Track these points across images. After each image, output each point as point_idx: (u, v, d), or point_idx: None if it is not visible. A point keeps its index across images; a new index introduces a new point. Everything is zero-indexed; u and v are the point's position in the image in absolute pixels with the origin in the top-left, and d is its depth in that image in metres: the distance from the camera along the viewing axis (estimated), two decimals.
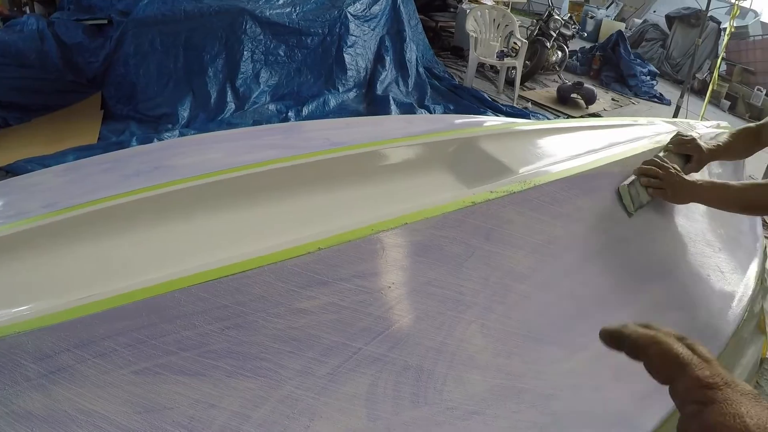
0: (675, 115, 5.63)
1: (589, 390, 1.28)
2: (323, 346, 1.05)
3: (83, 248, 1.14)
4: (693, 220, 2.15)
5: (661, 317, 1.62)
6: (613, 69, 9.25)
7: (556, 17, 7.86)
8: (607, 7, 16.33)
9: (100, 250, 1.15)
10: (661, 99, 8.96)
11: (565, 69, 8.91)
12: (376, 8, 5.68)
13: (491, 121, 2.17)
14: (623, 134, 2.31)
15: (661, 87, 9.77)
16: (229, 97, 4.56)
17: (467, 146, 1.79)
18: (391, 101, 5.14)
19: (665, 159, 1.83)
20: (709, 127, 2.91)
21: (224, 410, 0.92)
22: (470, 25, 6.42)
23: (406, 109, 5.09)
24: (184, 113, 4.35)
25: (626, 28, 13.90)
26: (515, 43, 6.86)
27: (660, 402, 1.24)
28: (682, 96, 5.94)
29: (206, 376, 0.95)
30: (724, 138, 2.12)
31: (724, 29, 12.17)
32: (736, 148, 2.15)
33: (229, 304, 1.02)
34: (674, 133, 2.12)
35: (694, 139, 1.99)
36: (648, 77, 9.36)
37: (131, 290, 0.98)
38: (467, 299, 1.25)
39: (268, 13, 4.78)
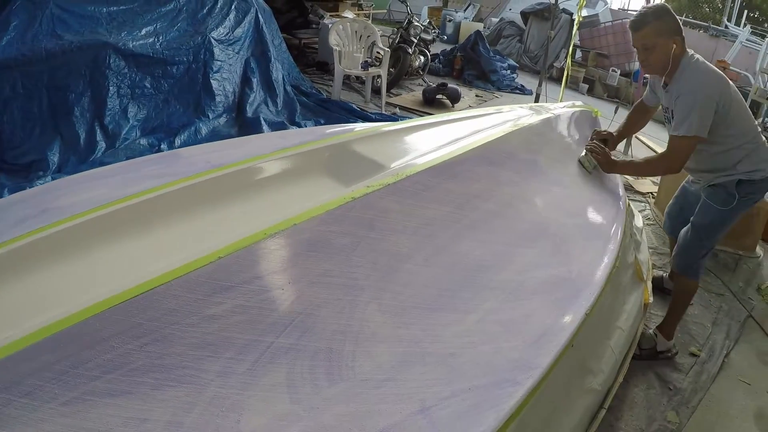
0: (535, 101, 6.17)
1: (484, 344, 1.41)
2: (238, 346, 1.16)
3: None
4: (564, 187, 2.56)
5: (538, 273, 1.83)
6: (475, 67, 9.82)
7: (416, 24, 8.26)
8: (465, 10, 17.18)
9: (8, 294, 1.17)
10: (522, 90, 9.67)
11: (429, 72, 9.38)
12: (239, 31, 5.80)
13: (360, 127, 2.39)
14: (488, 121, 2.73)
15: (522, 79, 10.47)
16: (99, 135, 4.49)
17: (341, 151, 2.02)
18: (262, 122, 5.24)
19: (597, 143, 2.98)
20: (564, 107, 3.46)
21: (157, 422, 0.99)
22: (333, 40, 6.64)
23: (278, 127, 5.19)
24: (54, 158, 4.23)
25: (485, 27, 14.70)
26: (378, 52, 7.20)
27: (549, 343, 1.47)
28: (540, 84, 6.49)
29: (133, 393, 1.02)
30: (624, 124, 3.27)
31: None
32: (631, 128, 3.32)
33: (143, 322, 1.10)
34: (529, 115, 3.02)
35: (607, 130, 3.28)
36: (508, 71, 10.03)
37: (47, 324, 1.03)
38: (361, 283, 1.41)
39: (131, 45, 4.75)
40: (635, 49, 2.68)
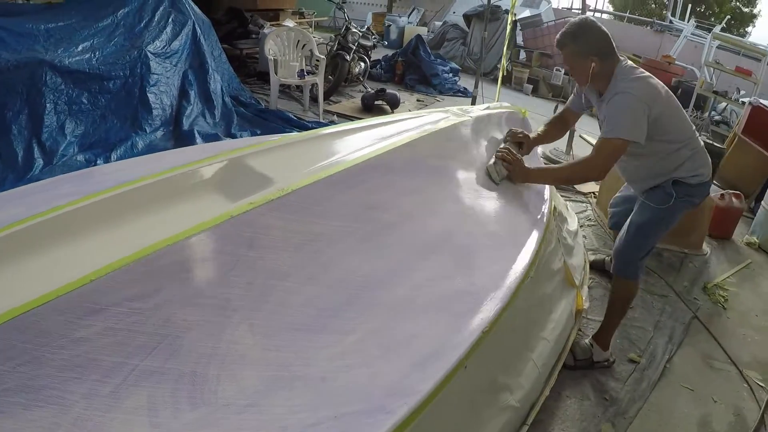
0: (472, 104, 6.41)
1: (360, 368, 1.37)
2: (104, 368, 1.16)
3: None
4: (479, 193, 2.55)
5: (435, 288, 1.78)
6: (416, 72, 10.10)
7: (354, 30, 8.47)
8: (409, 15, 17.54)
9: None
10: (465, 93, 9.95)
11: (370, 78, 9.62)
12: (176, 44, 5.94)
13: (265, 139, 2.40)
14: (402, 126, 2.73)
15: (465, 81, 10.78)
16: (36, 153, 4.57)
17: (237, 165, 2.00)
18: (196, 134, 5.35)
19: (511, 148, 2.90)
20: (488, 108, 3.51)
21: None
22: (268, 49, 6.78)
23: (211, 139, 5.29)
24: None
25: (429, 31, 15.03)
26: (317, 60, 7.42)
27: (434, 365, 1.42)
28: (476, 86, 6.76)
29: (5, 413, 1.05)
30: (542, 128, 3.27)
31: (519, 20, 13.62)
32: (551, 133, 3.29)
33: (17, 343, 1.13)
34: (448, 118, 3.04)
35: (523, 132, 3.18)
36: (450, 74, 10.33)
37: None
38: (234, 304, 1.38)
39: (67, 62, 4.85)
40: None
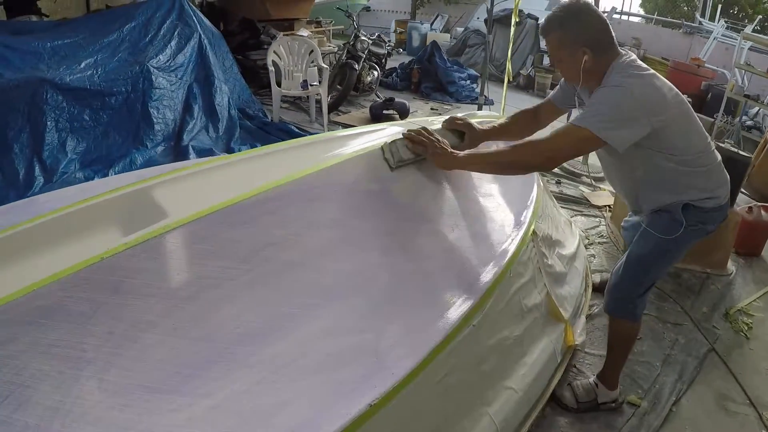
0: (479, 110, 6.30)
1: None
2: None
3: None
4: (427, 220, 2.22)
5: (330, 343, 1.50)
6: (432, 79, 9.98)
7: (363, 38, 8.44)
8: (433, 22, 17.52)
9: None
10: (485, 100, 9.78)
11: (385, 87, 9.61)
12: (181, 57, 5.99)
13: (191, 164, 2.27)
14: (348, 143, 2.49)
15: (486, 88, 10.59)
16: (37, 171, 4.64)
17: (132, 199, 1.90)
18: (191, 150, 5.33)
19: (432, 131, 2.33)
20: (470, 119, 3.04)
21: None
22: (271, 60, 6.74)
23: (206, 155, 5.26)
24: None
25: (451, 38, 14.97)
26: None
27: None
28: (481, 93, 6.59)
29: None
30: (502, 120, 2.73)
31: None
32: (512, 129, 2.68)
33: None
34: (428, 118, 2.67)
35: (465, 119, 2.60)
36: (468, 81, 10.20)
37: None
38: (89, 355, 1.27)
39: (68, 79, 4.92)
40: None
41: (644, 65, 2.23)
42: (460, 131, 2.56)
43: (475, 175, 2.58)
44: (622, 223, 3.24)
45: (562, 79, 2.56)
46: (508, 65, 7.03)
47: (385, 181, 2.25)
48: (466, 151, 2.27)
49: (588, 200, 5.55)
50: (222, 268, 1.60)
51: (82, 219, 1.77)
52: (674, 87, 2.25)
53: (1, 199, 4.37)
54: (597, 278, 3.77)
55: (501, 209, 2.54)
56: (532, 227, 2.47)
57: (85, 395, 1.21)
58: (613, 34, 2.22)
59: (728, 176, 2.45)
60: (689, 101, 7.93)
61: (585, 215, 5.25)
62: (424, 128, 2.32)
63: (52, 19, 6.94)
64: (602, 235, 4.76)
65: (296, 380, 1.37)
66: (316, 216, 1.97)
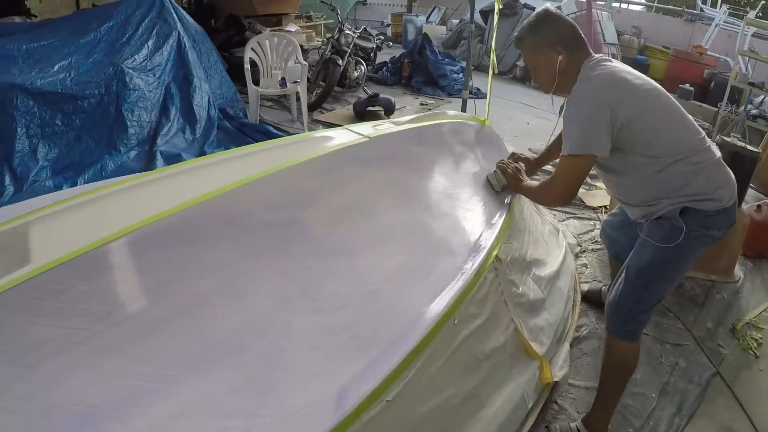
0: (463, 108, 6.16)
1: None
2: None
3: None
4: (332, 261, 1.83)
5: (195, 421, 1.22)
6: (423, 73, 9.77)
7: (347, 32, 8.21)
8: (429, 14, 17.33)
9: None
10: (477, 94, 9.44)
11: (376, 82, 9.47)
12: (158, 57, 5.84)
13: (100, 185, 2.10)
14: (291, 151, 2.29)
15: (479, 81, 10.16)
16: (7, 179, 4.53)
17: (21, 233, 1.71)
18: (158, 156, 5.17)
19: (510, 162, 2.74)
20: (437, 119, 3.09)
21: None
22: (248, 57, 6.50)
23: (174, 160, 5.07)
24: None
25: (447, 30, 14.80)
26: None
27: None
28: (465, 88, 6.36)
29: None
30: (545, 149, 2.92)
31: None
32: (554, 152, 2.85)
33: None
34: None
35: (521, 155, 2.96)
36: (460, 74, 9.91)
37: None
38: None
39: (39, 84, 4.80)
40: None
41: (615, 62, 2.24)
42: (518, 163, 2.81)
43: (437, 186, 2.66)
44: (602, 224, 3.09)
45: None
46: (492, 56, 6.81)
47: (294, 207, 1.97)
48: (524, 183, 2.61)
49: (582, 200, 5.18)
50: (72, 330, 1.35)
51: None
52: (651, 81, 2.23)
53: None
54: (585, 286, 3.57)
55: (457, 231, 2.28)
56: (495, 252, 2.19)
57: None
58: (583, 36, 2.29)
59: (732, 175, 2.25)
60: (691, 90, 7.74)
61: (578, 218, 4.87)
62: (514, 155, 2.94)
63: (40, 20, 6.84)
64: (596, 241, 4.38)
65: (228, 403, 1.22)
66: (199, 257, 1.67)
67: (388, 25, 16.28)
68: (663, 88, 2.23)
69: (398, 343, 1.49)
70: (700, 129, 2.24)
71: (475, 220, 2.40)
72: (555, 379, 2.39)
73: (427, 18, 16.86)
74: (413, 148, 2.83)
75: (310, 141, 2.61)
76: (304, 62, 6.87)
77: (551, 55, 2.24)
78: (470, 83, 6.55)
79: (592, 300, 3.46)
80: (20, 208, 1.95)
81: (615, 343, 2.37)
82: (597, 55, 2.24)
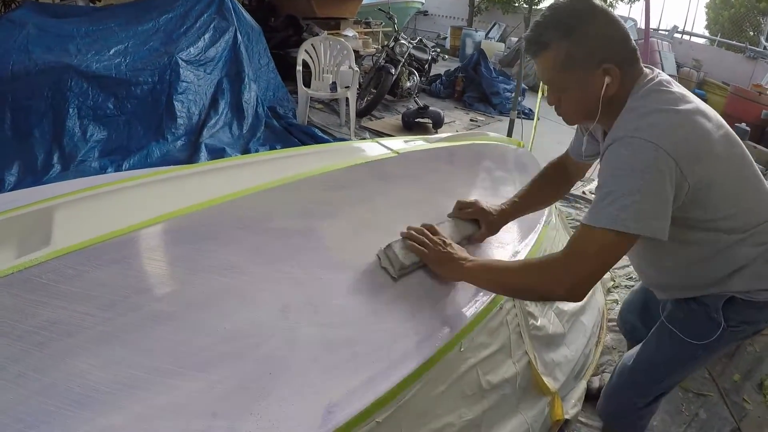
0: (509, 131, 6.11)
1: None
2: None
3: None
4: (339, 274, 1.74)
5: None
6: (476, 89, 9.72)
7: (403, 42, 8.23)
8: (489, 30, 17.33)
9: None
10: (528, 114, 9.31)
11: (428, 94, 9.46)
12: (212, 51, 5.94)
13: (120, 177, 2.13)
14: (318, 160, 2.30)
15: (532, 101, 10.27)
16: (56, 158, 4.65)
17: (46, 217, 1.75)
18: (203, 148, 5.21)
19: (446, 225, 1.88)
20: (470, 139, 2.92)
21: None
22: (301, 59, 6.59)
23: (218, 154, 5.16)
24: (12, 178, 4.41)
25: (506, 47, 14.76)
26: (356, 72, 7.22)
27: None
28: (513, 108, 6.31)
29: None
30: (522, 190, 2.06)
31: None
32: (538, 197, 2.07)
33: None
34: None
35: (476, 203, 1.96)
36: (513, 93, 9.96)
37: None
38: None
39: (94, 67, 4.94)
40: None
41: (678, 87, 1.52)
42: (473, 217, 1.99)
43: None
44: (622, 304, 2.52)
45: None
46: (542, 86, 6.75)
47: (312, 217, 1.95)
48: (470, 258, 1.68)
49: None
50: (81, 315, 1.38)
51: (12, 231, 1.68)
52: (724, 123, 1.56)
53: (17, 183, 4.45)
54: (596, 382, 2.73)
55: (477, 256, 2.03)
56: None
57: None
58: (636, 46, 1.53)
59: None
60: (747, 130, 7.46)
61: None
62: (428, 226, 1.80)
63: (103, 4, 7.02)
64: (631, 277, 4.02)
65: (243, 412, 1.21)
66: (207, 259, 1.65)
67: (445, 38, 16.32)
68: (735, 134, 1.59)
69: (398, 364, 1.43)
70: None
71: (498, 246, 2.12)
72: (566, 417, 2.26)
73: (487, 34, 16.85)
74: (442, 167, 2.71)
75: (339, 151, 2.57)
76: (356, 68, 6.89)
77: (594, 74, 1.47)
78: (521, 102, 6.50)
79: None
80: (62, 187, 2.01)
81: None
82: (650, 73, 1.54)
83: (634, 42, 1.51)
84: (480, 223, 1.96)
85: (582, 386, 2.52)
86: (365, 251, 1.82)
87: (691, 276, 1.69)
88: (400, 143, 2.71)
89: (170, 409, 1.20)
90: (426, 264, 1.72)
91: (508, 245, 1.98)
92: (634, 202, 1.34)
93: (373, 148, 2.61)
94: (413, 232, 1.74)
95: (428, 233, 1.74)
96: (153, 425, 1.16)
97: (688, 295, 1.74)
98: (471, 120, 8.70)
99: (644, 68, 1.54)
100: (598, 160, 1.67)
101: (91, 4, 6.98)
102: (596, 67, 1.46)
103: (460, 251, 1.70)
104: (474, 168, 2.81)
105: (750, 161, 1.59)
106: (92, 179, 2.18)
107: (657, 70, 1.56)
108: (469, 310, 1.72)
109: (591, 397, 2.47)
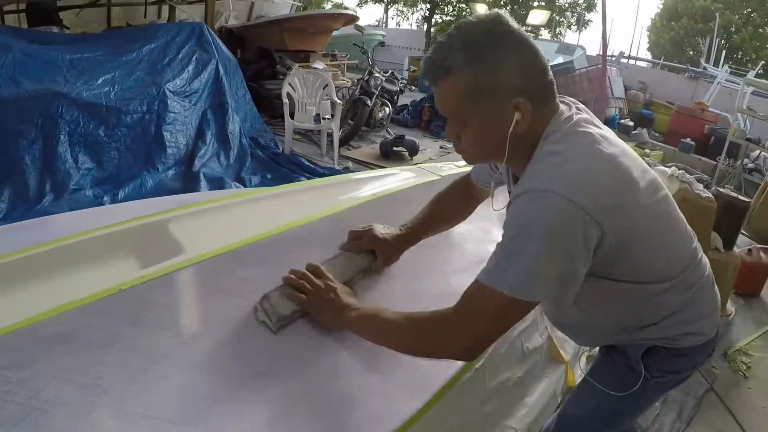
0: None
1: None
2: None
3: None
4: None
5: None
6: (442, 118, 9.91)
7: (377, 75, 8.52)
8: None
9: None
10: None
11: (396, 124, 9.66)
12: (197, 83, 6.01)
13: (211, 197, 2.35)
14: (368, 185, 2.49)
15: None
16: (48, 185, 4.59)
17: (155, 229, 1.93)
18: (202, 177, 5.29)
19: (337, 261, 1.70)
20: (462, 167, 2.99)
21: None
22: (285, 92, 6.78)
23: (217, 183, 5.25)
24: (2, 205, 4.33)
25: None
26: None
27: None
28: None
29: None
30: (423, 210, 1.87)
31: (551, 67, 13.68)
32: (442, 216, 1.88)
33: None
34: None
35: (369, 230, 1.78)
36: None
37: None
38: (105, 384, 1.28)
39: (85, 95, 4.89)
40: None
41: (600, 129, 1.33)
42: (367, 246, 1.78)
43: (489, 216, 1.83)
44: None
45: None
46: None
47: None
48: (355, 306, 1.48)
49: None
50: (235, 306, 1.55)
51: (99, 246, 1.77)
52: (647, 167, 1.36)
53: (9, 211, 4.36)
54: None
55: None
56: None
57: (101, 423, 1.22)
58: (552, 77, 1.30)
59: (718, 297, 1.60)
60: (692, 145, 8.15)
61: None
62: (313, 266, 1.61)
63: (74, 33, 7.01)
64: None
65: (309, 418, 1.33)
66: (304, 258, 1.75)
67: (407, 69, 16.64)
68: (651, 169, 1.38)
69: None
70: (690, 229, 1.52)
71: (399, 278, 2.02)
72: (575, 384, 2.57)
73: None
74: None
75: (394, 175, 2.78)
76: (339, 101, 7.12)
77: (503, 108, 1.23)
78: None
79: None
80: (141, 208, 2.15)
81: None
82: (567, 110, 1.33)
83: (551, 75, 1.29)
84: (376, 252, 1.76)
85: (583, 362, 2.90)
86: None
87: (614, 324, 1.53)
88: (447, 167, 2.98)
89: (330, 374, 1.44)
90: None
91: (409, 275, 1.88)
92: (541, 268, 1.16)
93: (418, 173, 2.82)
94: (293, 276, 1.54)
95: (311, 276, 1.54)
96: (322, 386, 1.40)
97: (608, 343, 1.63)
98: (441, 147, 8.96)
99: (560, 104, 1.33)
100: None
101: (64, 31, 6.96)
102: (506, 100, 1.22)
103: (345, 296, 1.51)
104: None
105: (673, 204, 1.42)
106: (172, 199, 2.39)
107: (576, 106, 1.38)
108: None
109: None
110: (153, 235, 1.91)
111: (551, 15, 8.09)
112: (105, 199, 4.69)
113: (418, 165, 3.00)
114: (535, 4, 23.30)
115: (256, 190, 2.46)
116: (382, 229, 1.78)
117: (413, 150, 7.59)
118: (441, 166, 3.10)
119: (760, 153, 9.69)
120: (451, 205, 1.86)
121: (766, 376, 3.60)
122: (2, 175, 4.51)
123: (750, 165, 9.52)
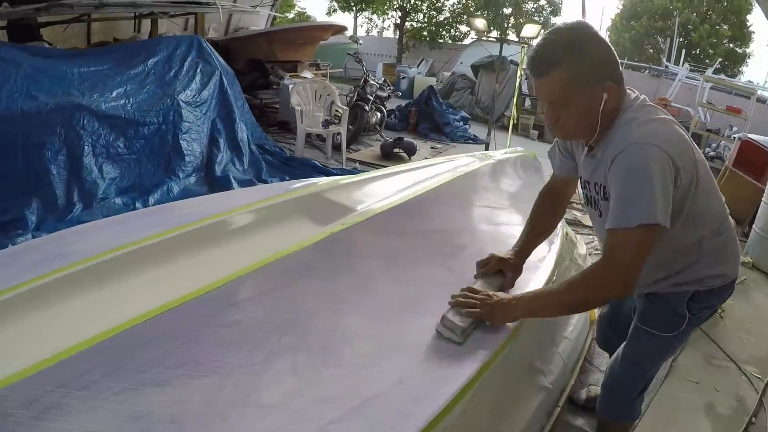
0: (486, 150, 6.66)
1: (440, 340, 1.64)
2: (253, 343, 1.42)
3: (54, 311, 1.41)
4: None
5: None
6: (429, 120, 10.50)
7: (372, 82, 8.87)
8: (418, 65, 18.03)
9: (62, 311, 1.41)
10: (475, 140, 10.30)
11: (386, 127, 9.91)
12: (205, 93, 6.15)
13: (322, 181, 2.62)
14: (436, 170, 2.96)
15: (475, 129, 11.14)
16: (76, 195, 4.63)
17: (310, 200, 2.32)
18: (232, 180, 5.50)
19: (479, 286, 1.87)
20: (506, 153, 3.64)
21: (193, 403, 1.20)
22: (294, 100, 7.12)
23: (246, 184, 5.43)
24: (33, 217, 4.30)
25: (438, 81, 15.45)
26: (337, 110, 7.73)
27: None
28: (488, 134, 7.01)
29: (174, 384, 1.22)
30: (525, 228, 2.16)
31: (525, 69, 14.07)
32: (542, 226, 2.18)
33: (182, 327, 1.38)
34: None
35: (492, 256, 2.03)
36: (461, 123, 10.73)
37: (98, 333, 1.26)
38: (342, 296, 1.75)
39: (104, 107, 4.96)
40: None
41: (657, 108, 1.73)
42: (497, 268, 2.04)
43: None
44: (596, 317, 2.88)
45: (555, 142, 2.10)
46: (514, 110, 7.55)
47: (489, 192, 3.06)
48: (517, 296, 1.76)
49: (581, 222, 6.02)
50: (410, 242, 2.28)
51: (283, 212, 2.20)
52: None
53: (39, 222, 4.35)
54: (582, 394, 2.91)
55: None
56: (565, 229, 3.07)
57: (351, 322, 1.66)
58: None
59: (739, 246, 1.97)
60: None
61: (580, 234, 5.48)
62: (468, 288, 1.83)
63: (65, 48, 6.95)
64: (597, 249, 5.03)
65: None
66: (449, 213, 2.74)
67: (382, 76, 16.90)
68: None
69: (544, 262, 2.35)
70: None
71: (529, 281, 2.23)
72: (595, 318, 3.10)
73: (417, 69, 17.56)
74: (522, 171, 3.71)
75: (454, 162, 3.27)
76: (345, 107, 7.50)
77: (596, 90, 1.60)
78: (467, 130, 7.26)
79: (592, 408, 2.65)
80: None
81: (613, 427, 2.31)
82: (633, 92, 1.74)
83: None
84: (504, 271, 2.02)
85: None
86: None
87: (665, 264, 1.84)
88: (497, 153, 3.53)
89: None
90: (481, 320, 1.74)
91: (538, 274, 2.20)
92: (656, 198, 1.48)
93: (469, 159, 3.30)
94: (460, 299, 1.75)
95: (471, 294, 1.77)
96: None
97: (656, 290, 1.94)
98: (432, 147, 9.37)
99: (627, 88, 1.70)
100: (581, 171, 1.91)
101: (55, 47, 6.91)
102: (598, 83, 1.59)
103: (504, 295, 1.78)
104: (528, 170, 3.68)
105: (707, 166, 1.76)
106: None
107: (635, 92, 1.74)
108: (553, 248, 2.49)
109: (577, 406, 2.87)
110: (319, 202, 2.33)
111: (540, 29, 8.56)
112: (137, 205, 4.79)
113: (473, 153, 3.55)
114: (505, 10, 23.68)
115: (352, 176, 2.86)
116: (500, 254, 2.05)
117: (411, 151, 7.97)
118: (492, 153, 3.62)
119: (720, 142, 10.41)
120: (546, 214, 2.18)
121: (737, 316, 4.43)
122: (29, 186, 4.52)
123: (711, 153, 10.17)
